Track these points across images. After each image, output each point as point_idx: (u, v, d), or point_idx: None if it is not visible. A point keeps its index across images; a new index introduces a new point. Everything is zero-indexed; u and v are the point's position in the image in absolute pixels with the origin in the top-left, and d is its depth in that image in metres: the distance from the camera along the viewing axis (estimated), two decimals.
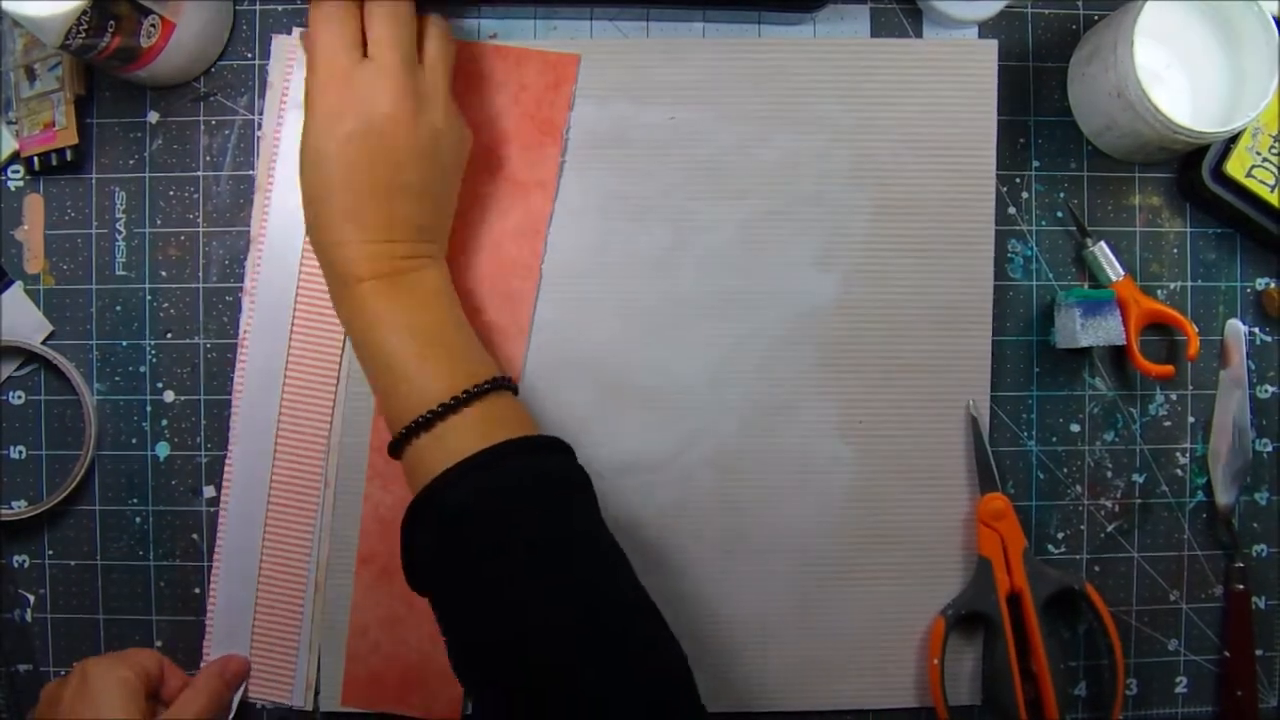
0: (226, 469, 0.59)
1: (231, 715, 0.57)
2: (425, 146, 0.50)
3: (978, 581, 0.58)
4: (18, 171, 0.60)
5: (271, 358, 0.59)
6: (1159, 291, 0.61)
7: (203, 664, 0.58)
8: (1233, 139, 0.58)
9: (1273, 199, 0.59)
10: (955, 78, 0.60)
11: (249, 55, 0.60)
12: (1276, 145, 0.59)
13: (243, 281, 0.60)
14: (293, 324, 0.59)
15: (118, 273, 0.60)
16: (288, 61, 0.59)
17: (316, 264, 0.52)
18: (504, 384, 0.49)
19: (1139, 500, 0.61)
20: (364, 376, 0.51)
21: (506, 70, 0.59)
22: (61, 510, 0.60)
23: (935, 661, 0.58)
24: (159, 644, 0.59)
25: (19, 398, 0.60)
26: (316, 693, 0.59)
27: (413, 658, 0.58)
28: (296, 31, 0.60)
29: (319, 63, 0.49)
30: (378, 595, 0.59)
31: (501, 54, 0.59)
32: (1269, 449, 0.62)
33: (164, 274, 0.60)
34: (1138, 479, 0.61)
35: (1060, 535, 0.60)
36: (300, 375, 0.59)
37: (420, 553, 0.46)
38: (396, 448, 0.48)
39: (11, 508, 0.60)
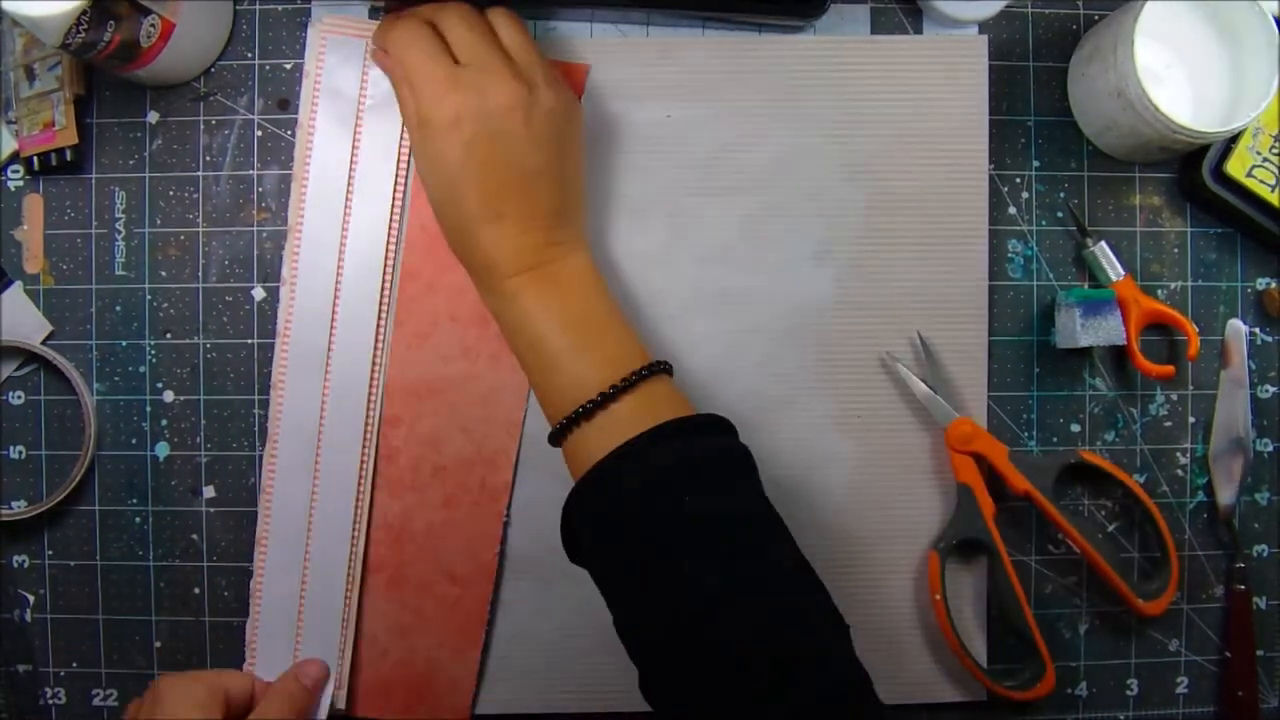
0: (269, 463, 0.59)
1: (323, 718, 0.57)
2: (543, 130, 0.50)
3: (961, 509, 0.58)
4: (17, 171, 0.60)
5: (313, 349, 0.59)
6: (1159, 291, 0.61)
7: (245, 664, 0.58)
8: (1233, 139, 0.58)
9: (1273, 199, 0.59)
10: (947, 73, 0.60)
11: (249, 55, 0.60)
12: (1277, 145, 0.59)
13: (244, 281, 0.60)
14: (334, 314, 0.59)
15: (117, 273, 0.60)
16: (320, 50, 0.59)
17: (358, 255, 0.55)
18: (660, 368, 0.50)
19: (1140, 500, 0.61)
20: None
21: None
22: (61, 510, 0.60)
23: (937, 597, 0.58)
24: (158, 644, 0.59)
25: (19, 398, 0.60)
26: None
27: (421, 665, 0.58)
28: (349, 33, 0.60)
29: (419, 77, 0.50)
30: (387, 603, 0.59)
31: None
32: (1270, 449, 0.62)
33: (164, 274, 0.60)
34: (1139, 479, 0.61)
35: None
36: (343, 366, 0.59)
37: (585, 533, 0.48)
38: (558, 437, 0.49)
39: (11, 508, 0.60)
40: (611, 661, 0.58)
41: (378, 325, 0.59)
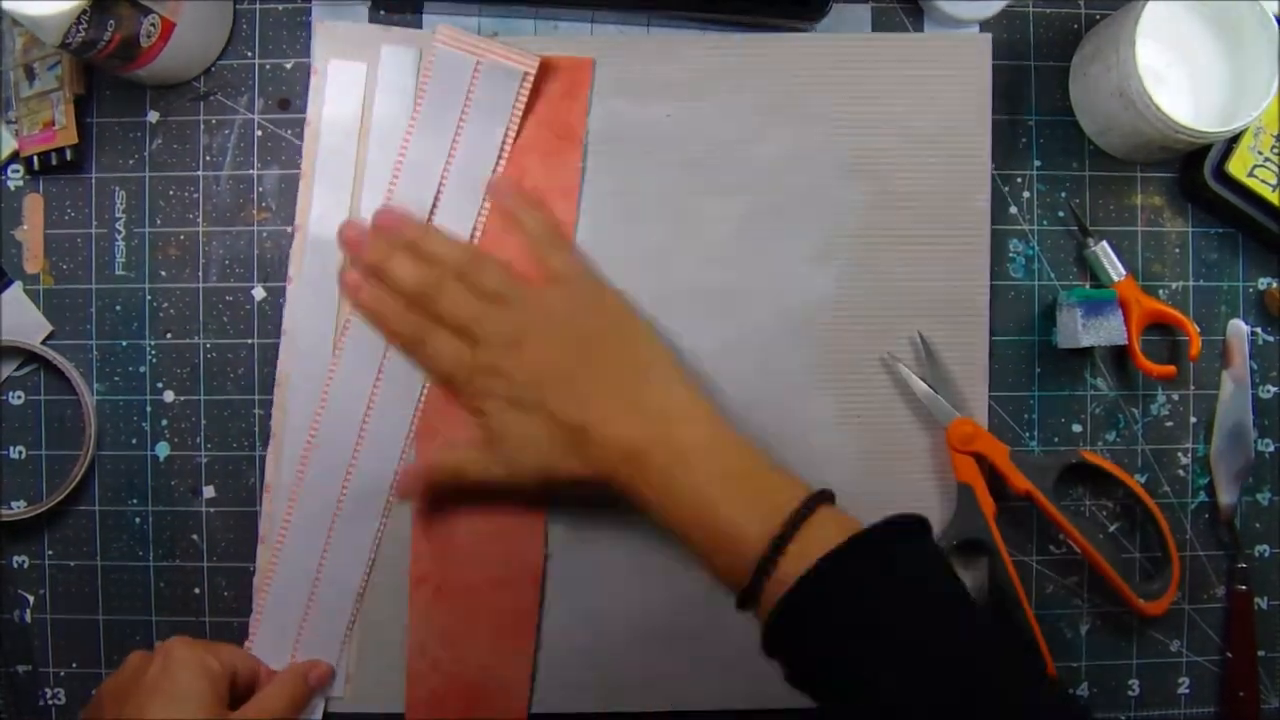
0: (268, 461, 0.59)
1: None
2: (563, 325, 0.54)
3: (962, 509, 0.58)
4: (17, 171, 0.60)
5: (316, 348, 0.58)
6: (1161, 291, 0.61)
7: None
8: (1234, 138, 0.58)
9: (1274, 198, 0.59)
10: (950, 71, 0.60)
11: (249, 55, 0.60)
12: (1278, 145, 0.59)
13: (244, 281, 0.60)
14: (339, 312, 0.59)
15: (117, 272, 0.60)
16: (328, 48, 0.59)
17: None
18: (823, 498, 0.48)
19: (1141, 500, 0.61)
20: (403, 377, 0.56)
21: None
22: (61, 510, 0.59)
23: None
24: (159, 644, 0.59)
25: (19, 398, 0.60)
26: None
27: (473, 673, 0.58)
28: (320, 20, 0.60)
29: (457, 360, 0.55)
30: (434, 614, 0.58)
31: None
32: (1271, 449, 0.62)
33: (164, 274, 0.60)
34: (1140, 479, 0.61)
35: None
36: (346, 366, 0.58)
37: (810, 631, 0.45)
38: (749, 602, 0.48)
39: (11, 508, 0.59)
40: (664, 660, 0.59)
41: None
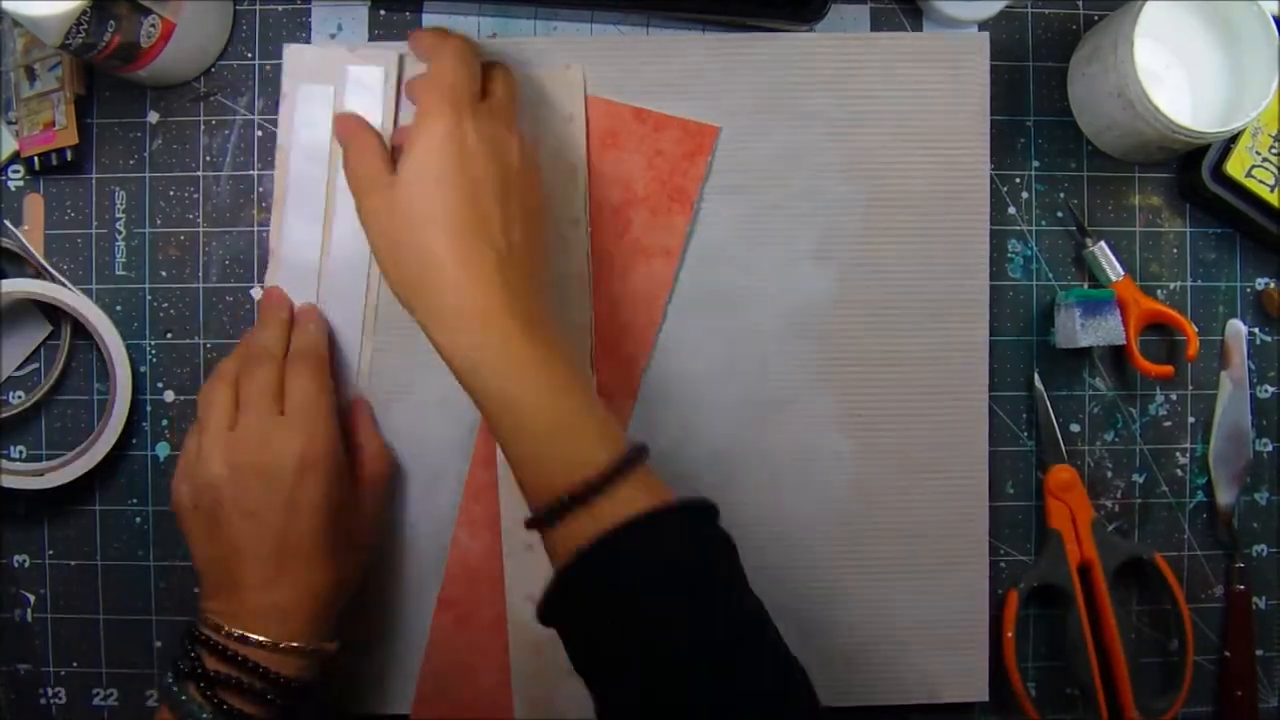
0: None
1: None
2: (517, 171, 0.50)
3: (1049, 554, 0.59)
4: (18, 171, 0.60)
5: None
6: (1159, 291, 0.61)
7: None
8: (1233, 139, 0.58)
9: (1272, 199, 0.59)
10: (948, 70, 0.60)
11: (249, 55, 0.60)
12: (1276, 145, 0.59)
13: (244, 281, 0.60)
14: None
15: (118, 273, 0.60)
16: (298, 72, 0.59)
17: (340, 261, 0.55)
18: (645, 449, 0.46)
19: (1139, 500, 0.61)
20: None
21: (644, 134, 0.59)
22: (62, 510, 0.60)
23: (1009, 635, 0.58)
24: (158, 644, 0.60)
25: (19, 398, 0.60)
26: None
27: (481, 709, 0.58)
28: (308, 49, 0.60)
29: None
30: (454, 641, 0.58)
31: (640, 117, 0.59)
32: (1269, 449, 0.62)
33: (164, 274, 0.60)
34: (1138, 479, 0.61)
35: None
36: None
37: (583, 597, 0.44)
38: (554, 518, 0.44)
39: (15, 443, 0.60)
40: None
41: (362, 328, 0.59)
